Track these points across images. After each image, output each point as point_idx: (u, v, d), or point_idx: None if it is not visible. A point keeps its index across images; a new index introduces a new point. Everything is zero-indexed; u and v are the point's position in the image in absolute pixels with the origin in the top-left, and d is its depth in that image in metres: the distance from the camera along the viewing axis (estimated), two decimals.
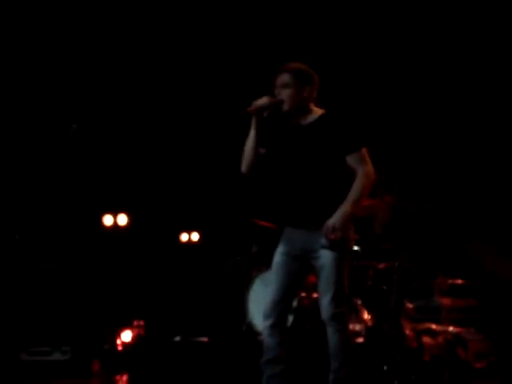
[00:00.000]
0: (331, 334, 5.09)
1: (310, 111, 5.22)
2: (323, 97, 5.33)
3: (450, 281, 8.31)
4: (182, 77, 10.29)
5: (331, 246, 5.01)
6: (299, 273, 5.21)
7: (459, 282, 8.36)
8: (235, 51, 9.89)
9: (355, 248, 7.67)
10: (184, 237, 11.85)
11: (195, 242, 11.80)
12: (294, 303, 7.66)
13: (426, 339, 7.36)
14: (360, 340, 7.21)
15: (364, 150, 5.12)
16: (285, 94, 5.16)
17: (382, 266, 7.48)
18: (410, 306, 7.53)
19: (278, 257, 5.21)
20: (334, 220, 4.98)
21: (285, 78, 5.17)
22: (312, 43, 9.35)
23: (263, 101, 5.14)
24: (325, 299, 5.08)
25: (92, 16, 9.67)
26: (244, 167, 5.24)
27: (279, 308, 5.14)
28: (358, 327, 7.25)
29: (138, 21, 9.87)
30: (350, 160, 5.09)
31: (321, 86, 5.29)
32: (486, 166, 9.44)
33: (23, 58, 9.70)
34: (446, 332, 7.55)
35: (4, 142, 9.77)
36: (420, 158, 9.52)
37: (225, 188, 10.61)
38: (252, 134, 5.18)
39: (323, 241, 5.01)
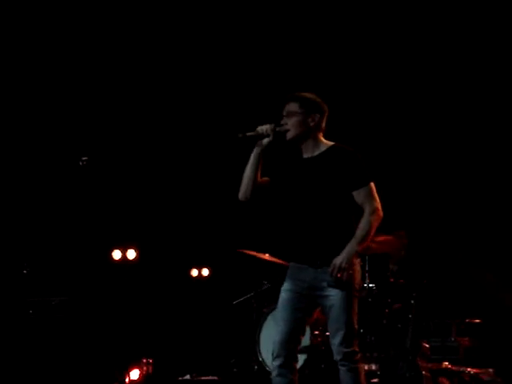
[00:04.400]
0: (343, 373, 5.05)
1: (318, 142, 5.13)
2: (333, 128, 5.24)
3: (467, 320, 8.15)
4: (193, 104, 10.25)
5: (338, 285, 4.92)
6: (306, 310, 5.13)
7: (478, 321, 8.21)
8: (244, 78, 9.83)
9: (371, 285, 7.56)
10: (194, 272, 11.72)
11: (205, 278, 11.67)
12: (307, 342, 7.55)
13: (443, 380, 7.21)
14: (375, 380, 7.08)
15: (371, 186, 5.04)
16: (290, 122, 5.08)
17: (397, 304, 7.35)
18: (427, 345, 7.38)
19: (283, 294, 5.14)
20: (341, 259, 4.90)
21: (291, 106, 5.11)
22: (321, 73, 9.28)
23: (265, 127, 5.05)
24: (335, 339, 5.01)
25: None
26: (241, 194, 5.16)
27: (288, 347, 5.05)
28: (373, 367, 7.13)
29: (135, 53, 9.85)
30: (357, 195, 5.01)
31: (331, 116, 5.21)
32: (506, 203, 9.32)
33: (29, 84, 9.66)
34: (464, 373, 7.39)
35: (13, 174, 9.72)
36: (437, 193, 9.42)
37: (236, 223, 10.52)
38: (251, 160, 5.09)
39: (330, 279, 4.92)
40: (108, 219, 10.52)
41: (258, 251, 8.51)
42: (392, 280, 7.47)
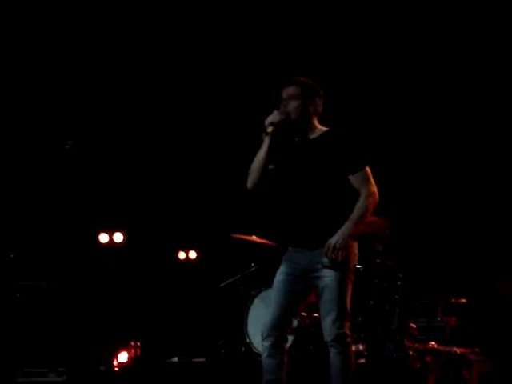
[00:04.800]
0: (333, 355, 5.02)
1: (314, 127, 5.16)
2: (327, 114, 5.26)
3: (453, 300, 8.19)
4: (181, 88, 10.23)
5: (333, 266, 4.94)
6: (301, 292, 5.13)
7: (464, 301, 8.24)
8: (238, 63, 9.82)
9: (357, 266, 7.58)
10: (182, 255, 11.73)
11: (193, 260, 11.68)
12: (295, 323, 7.57)
13: (430, 360, 7.24)
14: (362, 361, 7.10)
15: (367, 170, 5.07)
16: (292, 106, 5.09)
17: (384, 284, 7.37)
18: (414, 325, 7.41)
19: (279, 276, 5.15)
20: (336, 239, 4.92)
21: (292, 90, 5.12)
22: (317, 61, 9.29)
23: (276, 116, 5.06)
24: (327, 320, 5.01)
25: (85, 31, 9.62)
26: (250, 183, 5.17)
27: (279, 328, 5.07)
28: (360, 347, 7.15)
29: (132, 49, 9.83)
30: (354, 180, 5.03)
31: (325, 102, 5.23)
32: (496, 187, 9.35)
33: (17, 70, 9.62)
34: (451, 352, 7.42)
35: None
36: (427, 176, 9.46)
37: (224, 205, 10.54)
38: (264, 150, 5.10)
39: (325, 260, 4.94)
40: (95, 203, 10.51)
41: (246, 233, 8.53)
42: (378, 261, 7.48)
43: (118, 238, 10.97)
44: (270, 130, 5.06)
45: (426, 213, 9.13)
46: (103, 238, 10.91)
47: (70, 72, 9.87)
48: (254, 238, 8.50)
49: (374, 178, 5.12)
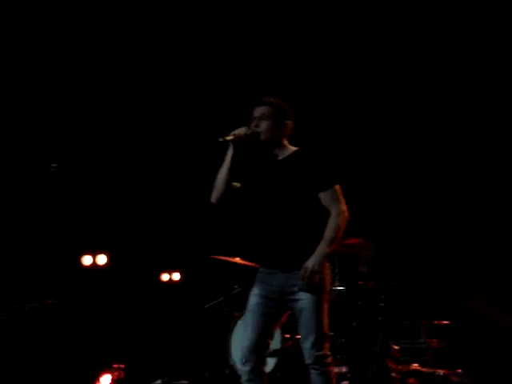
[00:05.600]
0: (314, 376, 5.04)
1: (284, 147, 5.18)
2: (297, 134, 5.29)
3: (436, 322, 8.22)
4: (159, 115, 10.23)
5: (309, 289, 4.93)
6: (276, 314, 5.13)
7: (446, 323, 8.28)
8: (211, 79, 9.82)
9: (340, 288, 7.61)
10: (165, 277, 11.70)
11: (176, 282, 11.66)
12: (278, 345, 7.58)
13: (413, 382, 7.26)
14: (345, 383, 7.11)
15: (337, 188, 5.06)
16: (263, 126, 5.12)
17: (367, 306, 7.40)
18: (396, 347, 7.43)
19: (252, 298, 5.13)
20: (312, 262, 4.92)
21: (265, 110, 5.15)
22: (289, 82, 9.30)
23: (242, 131, 5.09)
24: (306, 343, 5.01)
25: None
26: (214, 197, 5.17)
27: (257, 352, 5.05)
28: (343, 369, 7.16)
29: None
30: (323, 198, 5.03)
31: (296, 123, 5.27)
32: (474, 208, 9.41)
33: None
34: (433, 374, 7.44)
35: None
36: (408, 199, 9.50)
37: (207, 226, 10.53)
38: (226, 163, 5.12)
39: (301, 283, 4.94)
40: (78, 225, 10.49)
41: (229, 255, 8.53)
42: (361, 282, 7.51)
43: (102, 260, 10.94)
44: (229, 137, 5.07)
45: (408, 235, 9.17)
46: (86, 260, 10.88)
47: (55, 96, 9.86)
48: (237, 259, 8.51)
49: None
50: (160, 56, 9.72)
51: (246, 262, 8.46)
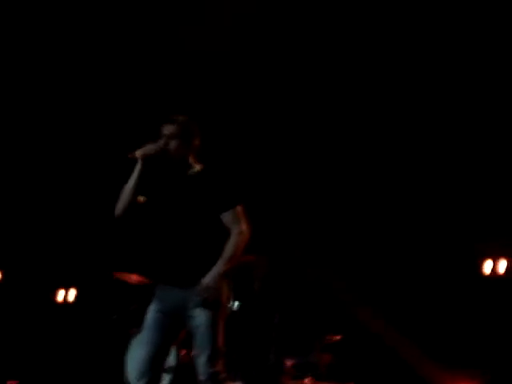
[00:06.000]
0: None
1: (190, 164, 5.25)
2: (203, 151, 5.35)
3: (328, 337, 8.35)
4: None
5: (205, 305, 4.98)
6: (172, 331, 5.16)
7: (338, 338, 8.41)
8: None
9: (235, 304, 7.67)
10: (60, 294, 11.55)
11: (72, 302, 11.50)
12: (174, 361, 7.59)
13: None
14: None
15: (239, 208, 5.14)
16: (172, 145, 5.17)
17: (260, 322, 7.47)
18: (290, 363, 7.53)
19: (150, 315, 5.15)
20: (208, 279, 4.98)
21: (173, 128, 5.20)
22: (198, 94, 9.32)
23: (151, 148, 5.14)
24: (201, 359, 5.05)
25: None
26: (118, 210, 5.18)
27: (152, 368, 5.06)
28: None
29: None
30: (225, 217, 5.11)
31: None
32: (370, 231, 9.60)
33: None
34: None
35: None
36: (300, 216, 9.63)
37: (101, 243, 10.45)
38: (133, 179, 5.15)
39: (197, 299, 4.98)
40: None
41: (127, 271, 8.49)
42: (255, 299, 7.57)
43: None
44: (138, 154, 5.11)
45: (300, 252, 9.31)
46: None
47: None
48: (134, 276, 8.47)
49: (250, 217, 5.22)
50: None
51: (142, 279, 8.42)
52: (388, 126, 9.47)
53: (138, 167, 5.14)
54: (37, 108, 9.95)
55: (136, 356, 5.28)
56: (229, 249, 5.04)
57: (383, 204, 9.61)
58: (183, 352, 7.75)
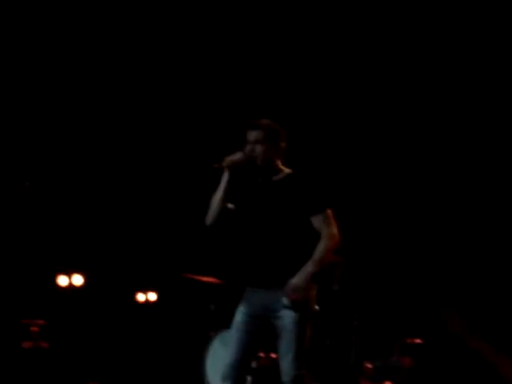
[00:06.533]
0: None
1: (277, 169, 5.25)
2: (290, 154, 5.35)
3: (409, 340, 8.26)
4: (144, 130, 10.20)
5: (293, 307, 4.98)
6: (260, 333, 5.17)
7: (419, 341, 8.32)
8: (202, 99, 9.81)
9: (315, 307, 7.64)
10: (141, 297, 11.70)
11: (152, 302, 11.65)
12: (253, 364, 7.60)
13: None
14: None
15: (329, 212, 5.15)
16: (258, 150, 5.17)
17: (340, 324, 7.44)
18: (369, 366, 7.47)
19: (238, 316, 5.18)
20: (297, 280, 4.98)
21: (258, 134, 5.20)
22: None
23: (237, 156, 5.16)
24: (285, 361, 5.04)
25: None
26: (209, 220, 5.23)
27: (238, 369, 5.09)
28: None
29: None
30: (315, 221, 5.11)
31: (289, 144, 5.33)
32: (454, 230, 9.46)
33: None
34: None
35: None
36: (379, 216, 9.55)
37: (182, 246, 10.55)
38: (222, 188, 5.20)
39: (285, 301, 4.98)
40: (53, 244, 10.46)
41: (204, 274, 8.54)
42: (334, 301, 7.54)
43: (78, 280, 10.93)
44: (224, 163, 5.14)
45: (379, 251, 9.23)
46: (62, 280, 10.86)
47: (28, 112, 9.82)
48: (207, 278, 8.50)
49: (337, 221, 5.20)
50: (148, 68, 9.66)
51: (219, 281, 8.46)
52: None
53: (226, 176, 5.19)
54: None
55: (221, 357, 5.31)
56: (319, 251, 5.04)
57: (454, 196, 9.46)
58: (263, 355, 7.75)
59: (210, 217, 5.21)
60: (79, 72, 9.55)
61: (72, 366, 9.65)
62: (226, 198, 5.19)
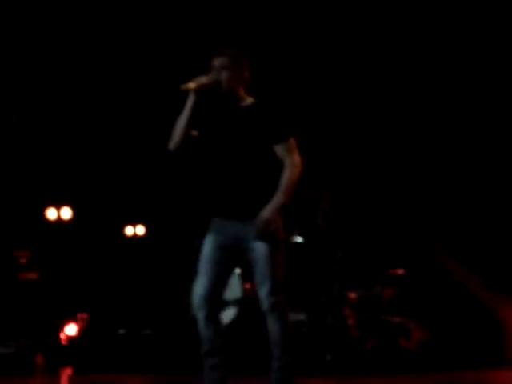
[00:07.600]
0: (272, 323, 5.09)
1: (241, 97, 5.24)
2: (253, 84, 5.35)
3: (391, 271, 8.41)
4: (116, 68, 10.16)
5: (264, 238, 5.03)
6: (229, 263, 5.16)
7: (401, 272, 8.46)
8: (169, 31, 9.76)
9: (298, 239, 7.76)
10: (129, 230, 11.81)
11: (140, 236, 11.76)
12: (239, 295, 7.73)
13: (369, 328, 7.45)
14: (304, 330, 7.28)
15: (292, 140, 5.13)
16: (223, 76, 5.17)
17: (324, 256, 7.55)
18: (353, 295, 7.62)
19: (207, 247, 5.11)
20: (267, 212, 4.96)
21: (224, 60, 5.17)
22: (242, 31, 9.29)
23: (203, 80, 5.15)
24: (262, 291, 5.07)
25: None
26: (172, 144, 5.18)
27: (211, 299, 5.13)
28: (301, 317, 7.32)
29: None
30: (278, 149, 5.09)
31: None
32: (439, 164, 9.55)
33: None
34: (389, 322, 7.64)
35: None
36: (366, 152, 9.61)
37: (169, 180, 10.58)
38: (186, 111, 5.12)
39: (256, 232, 4.96)
40: (42, 178, 10.50)
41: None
42: (319, 233, 7.63)
43: (66, 213, 11.00)
44: (191, 86, 5.10)
45: (364, 185, 9.29)
46: (51, 213, 10.93)
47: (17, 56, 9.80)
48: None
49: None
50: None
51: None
52: None
53: (192, 99, 5.12)
54: None
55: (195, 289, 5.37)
56: (285, 181, 5.01)
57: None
58: (248, 285, 7.87)
59: (173, 142, 5.12)
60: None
61: (61, 297, 9.76)
62: (191, 123, 5.12)
